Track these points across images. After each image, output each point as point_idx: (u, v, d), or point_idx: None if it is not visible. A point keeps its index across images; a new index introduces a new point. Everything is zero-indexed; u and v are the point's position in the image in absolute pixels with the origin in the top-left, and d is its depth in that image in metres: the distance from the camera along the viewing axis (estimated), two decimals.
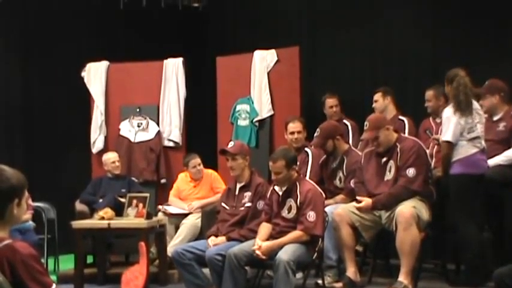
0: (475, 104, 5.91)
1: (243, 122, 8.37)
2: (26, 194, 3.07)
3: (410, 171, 5.82)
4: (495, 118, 6.32)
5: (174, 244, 7.11)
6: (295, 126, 6.94)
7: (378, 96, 7.34)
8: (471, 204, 5.83)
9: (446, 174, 5.93)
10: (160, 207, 7.72)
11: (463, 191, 5.81)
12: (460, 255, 6.24)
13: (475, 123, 5.84)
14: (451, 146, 5.84)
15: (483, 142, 5.89)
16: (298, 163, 5.98)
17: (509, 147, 6.14)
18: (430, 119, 7.01)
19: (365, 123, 6.17)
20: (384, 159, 6.01)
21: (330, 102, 7.84)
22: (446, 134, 5.85)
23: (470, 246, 5.80)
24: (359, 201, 5.99)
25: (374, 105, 7.29)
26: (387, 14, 8.25)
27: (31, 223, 7.27)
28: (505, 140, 6.19)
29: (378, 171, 6.04)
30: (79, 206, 7.59)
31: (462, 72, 5.90)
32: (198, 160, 7.77)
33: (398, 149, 5.92)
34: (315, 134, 6.69)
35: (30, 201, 7.17)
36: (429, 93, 6.93)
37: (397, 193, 5.83)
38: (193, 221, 7.42)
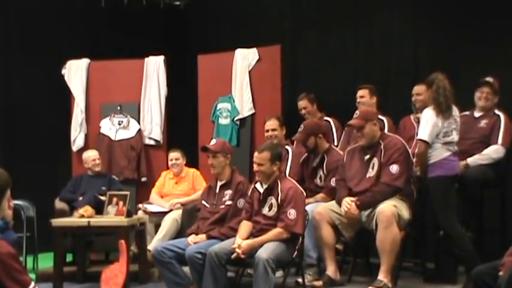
0: (455, 110, 5.93)
1: (224, 121, 8.36)
2: (8, 193, 3.04)
3: (394, 168, 5.81)
4: (477, 115, 6.36)
5: (158, 239, 7.15)
6: (270, 124, 6.99)
7: (364, 93, 7.20)
8: (452, 205, 5.86)
9: (425, 173, 5.95)
10: (140, 205, 7.70)
11: (443, 193, 5.84)
12: (440, 255, 6.27)
13: (452, 129, 5.87)
14: (426, 145, 5.86)
15: (456, 147, 5.93)
16: None
17: (489, 145, 6.19)
18: (411, 116, 7.01)
19: (355, 112, 6.23)
20: (367, 156, 6.01)
21: (300, 104, 7.73)
22: (423, 133, 5.86)
23: (462, 244, 5.81)
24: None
25: (359, 100, 7.17)
26: (369, 14, 8.27)
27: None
28: (486, 138, 6.24)
29: (361, 167, 6.03)
30: (59, 204, 7.55)
31: (441, 76, 5.92)
32: (176, 154, 7.80)
33: (382, 146, 5.93)
34: (299, 130, 6.69)
35: (11, 203, 7.12)
36: (421, 88, 6.61)
37: (380, 190, 5.82)
38: (174, 216, 7.41)
